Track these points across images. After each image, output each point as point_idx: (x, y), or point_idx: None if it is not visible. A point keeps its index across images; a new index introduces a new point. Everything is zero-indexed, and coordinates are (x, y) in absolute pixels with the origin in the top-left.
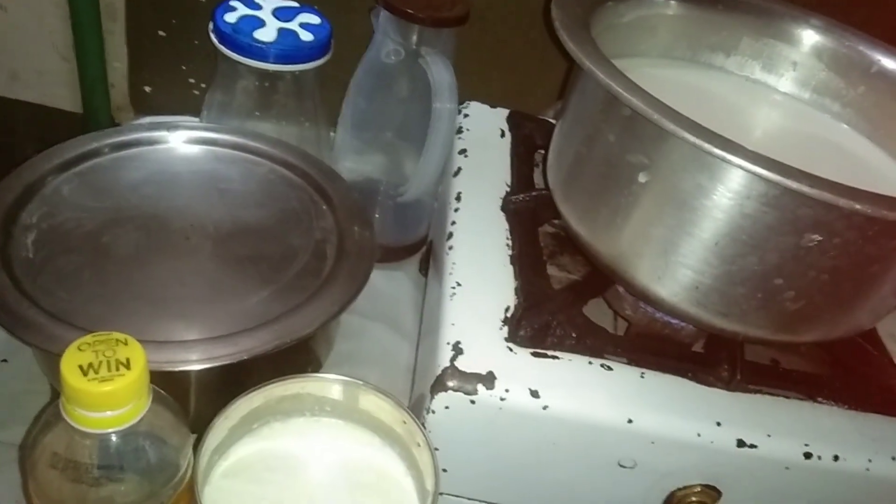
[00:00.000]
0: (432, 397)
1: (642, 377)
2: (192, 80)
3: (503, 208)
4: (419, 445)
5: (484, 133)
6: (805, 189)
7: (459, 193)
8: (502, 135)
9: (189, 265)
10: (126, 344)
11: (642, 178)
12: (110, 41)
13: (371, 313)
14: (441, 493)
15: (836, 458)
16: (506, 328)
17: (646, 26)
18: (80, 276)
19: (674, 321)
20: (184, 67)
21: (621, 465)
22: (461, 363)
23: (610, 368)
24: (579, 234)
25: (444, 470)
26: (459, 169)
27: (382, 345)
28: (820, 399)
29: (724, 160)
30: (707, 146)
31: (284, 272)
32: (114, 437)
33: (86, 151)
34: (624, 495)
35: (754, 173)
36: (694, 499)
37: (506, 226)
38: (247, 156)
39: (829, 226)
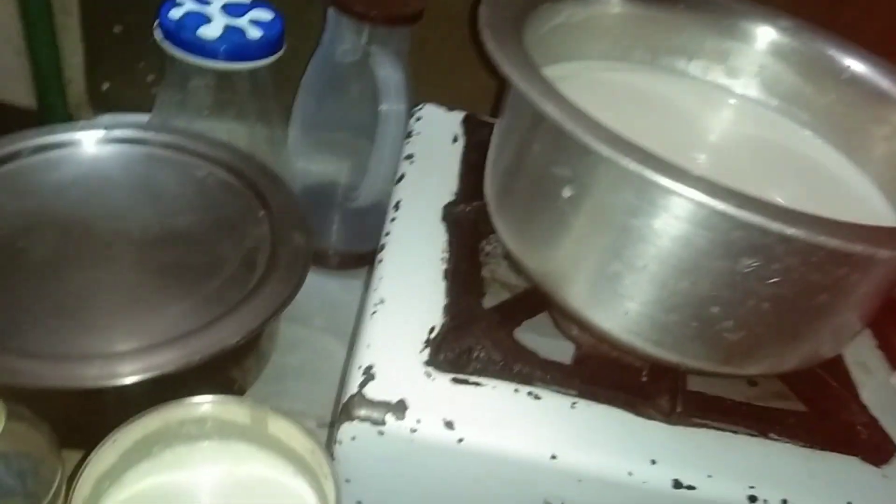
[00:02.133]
0: (338, 427)
1: (573, 407)
2: (149, 78)
3: (444, 219)
4: (326, 477)
5: (435, 137)
6: (732, 210)
7: (399, 202)
8: (455, 140)
9: (107, 274)
10: None
11: (566, 192)
12: (66, 36)
13: (323, 324)
14: None
15: (784, 502)
16: (427, 351)
17: (599, 27)
18: None
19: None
20: (141, 64)
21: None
22: (371, 390)
23: (538, 397)
24: (511, 250)
25: (360, 502)
26: (403, 175)
27: (333, 358)
28: (771, 435)
29: (642, 176)
30: (624, 160)
31: (208, 282)
32: None
33: (7, 153)
34: None
35: (676, 192)
36: None
37: (444, 238)
38: (185, 158)
39: (766, 250)
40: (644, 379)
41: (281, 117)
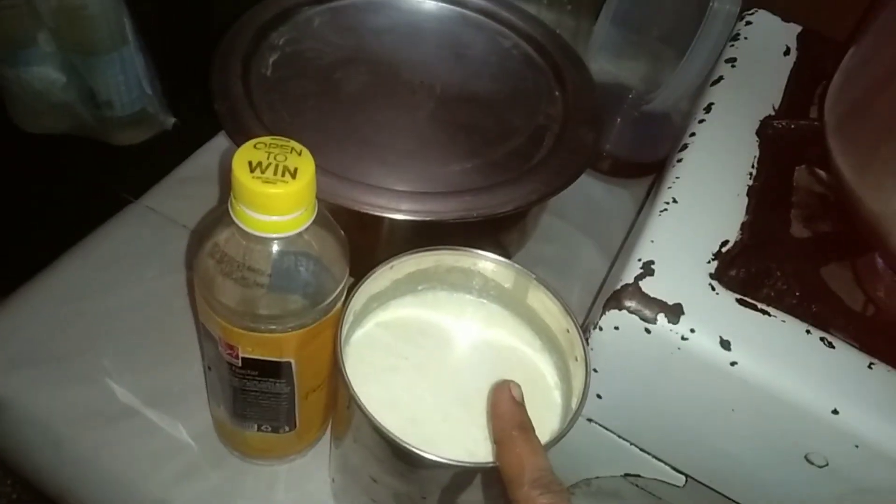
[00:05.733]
0: (604, 312)
1: (870, 367)
2: None
3: (759, 132)
4: (577, 360)
5: (764, 46)
6: None
7: (711, 104)
8: (787, 52)
9: (407, 119)
10: (300, 154)
11: None
12: None
13: (581, 224)
14: (591, 421)
15: None
16: (715, 263)
17: None
18: (305, 103)
19: None
20: None
21: (808, 461)
22: (647, 285)
23: (831, 346)
24: (844, 177)
25: (599, 396)
26: (720, 78)
27: (582, 258)
28: None
29: None
30: None
31: (495, 149)
32: (271, 244)
33: None
34: (800, 495)
35: None
36: None
37: (755, 152)
38: (495, 25)
39: None
40: None
41: (590, 10)
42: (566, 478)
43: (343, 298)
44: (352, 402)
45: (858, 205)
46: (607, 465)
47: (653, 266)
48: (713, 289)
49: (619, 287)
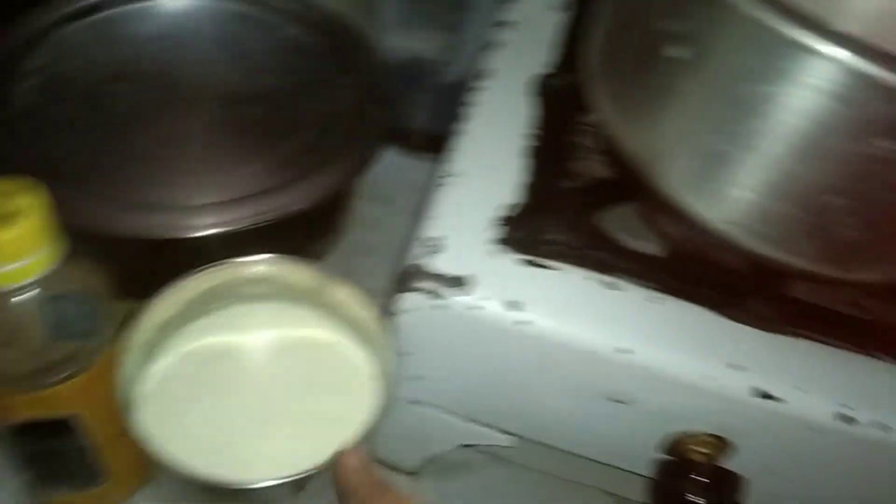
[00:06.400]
0: (398, 297)
1: (655, 302)
2: None
3: (537, 91)
4: (385, 348)
5: (545, 4)
6: (885, 75)
7: (485, 70)
8: (566, 7)
9: (187, 128)
10: (24, 194)
11: (681, 52)
12: None
13: (404, 206)
14: (418, 403)
15: (881, 426)
16: (499, 228)
17: None
18: (73, 128)
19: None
20: None
21: (614, 400)
22: (432, 262)
23: (616, 288)
24: (607, 122)
25: (421, 377)
26: (495, 42)
27: (403, 238)
28: (877, 354)
29: (775, 31)
30: (757, 10)
31: (286, 145)
32: (7, 296)
33: (93, 2)
34: (617, 433)
35: (816, 51)
36: (699, 448)
37: (533, 112)
38: (272, 17)
39: None
40: (738, 279)
41: None
42: (406, 460)
43: (120, 332)
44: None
45: (621, 147)
46: (442, 441)
47: (436, 243)
48: (497, 253)
49: (406, 269)
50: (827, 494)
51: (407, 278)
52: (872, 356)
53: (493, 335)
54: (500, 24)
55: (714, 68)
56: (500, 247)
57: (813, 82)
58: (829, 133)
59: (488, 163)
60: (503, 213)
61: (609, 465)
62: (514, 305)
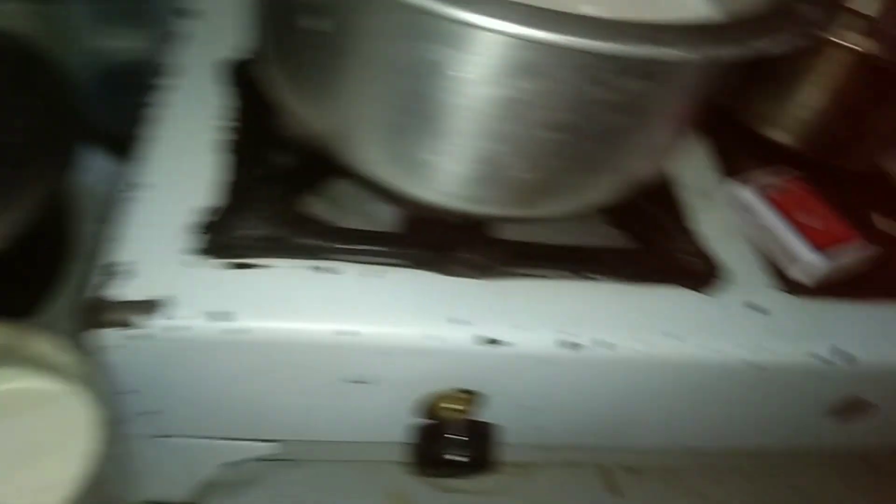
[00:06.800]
0: (95, 334)
1: (372, 276)
2: None
3: (232, 80)
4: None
5: None
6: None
7: (170, 65)
8: None
9: None
10: None
11: (314, 23)
12: None
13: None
14: (162, 437)
15: (606, 345)
16: (198, 237)
17: None
18: None
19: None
20: None
21: (355, 382)
22: (118, 290)
23: (330, 271)
24: (290, 105)
25: (158, 411)
26: (179, 34)
27: None
28: (587, 274)
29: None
30: None
31: None
32: None
33: None
34: (373, 410)
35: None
36: (452, 405)
37: (228, 102)
38: None
39: (542, 68)
40: (447, 237)
41: None
42: (174, 492)
43: None
44: None
45: (309, 128)
46: (203, 465)
47: (125, 265)
48: (196, 264)
49: (88, 302)
50: (585, 417)
51: (91, 313)
52: (587, 278)
53: (209, 351)
54: (182, 13)
55: (358, 39)
56: (200, 256)
57: (438, 38)
58: (473, 85)
59: (180, 167)
60: (200, 218)
61: (378, 442)
62: (221, 316)
